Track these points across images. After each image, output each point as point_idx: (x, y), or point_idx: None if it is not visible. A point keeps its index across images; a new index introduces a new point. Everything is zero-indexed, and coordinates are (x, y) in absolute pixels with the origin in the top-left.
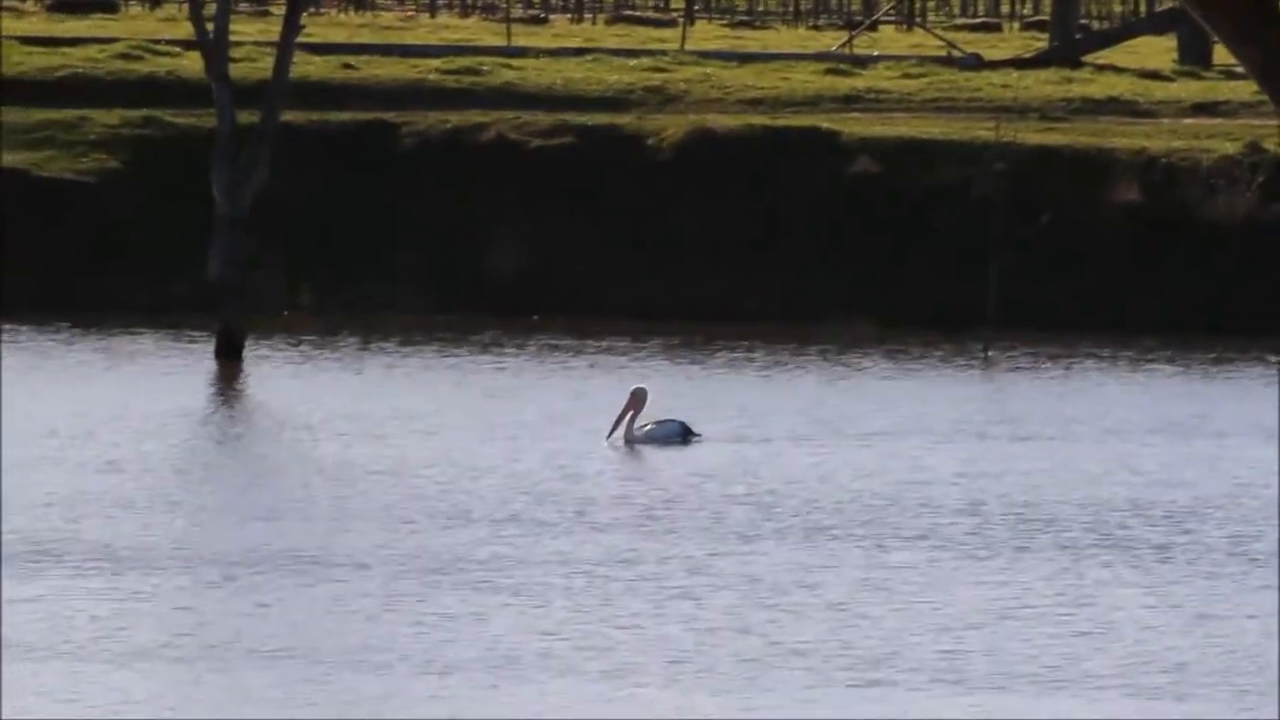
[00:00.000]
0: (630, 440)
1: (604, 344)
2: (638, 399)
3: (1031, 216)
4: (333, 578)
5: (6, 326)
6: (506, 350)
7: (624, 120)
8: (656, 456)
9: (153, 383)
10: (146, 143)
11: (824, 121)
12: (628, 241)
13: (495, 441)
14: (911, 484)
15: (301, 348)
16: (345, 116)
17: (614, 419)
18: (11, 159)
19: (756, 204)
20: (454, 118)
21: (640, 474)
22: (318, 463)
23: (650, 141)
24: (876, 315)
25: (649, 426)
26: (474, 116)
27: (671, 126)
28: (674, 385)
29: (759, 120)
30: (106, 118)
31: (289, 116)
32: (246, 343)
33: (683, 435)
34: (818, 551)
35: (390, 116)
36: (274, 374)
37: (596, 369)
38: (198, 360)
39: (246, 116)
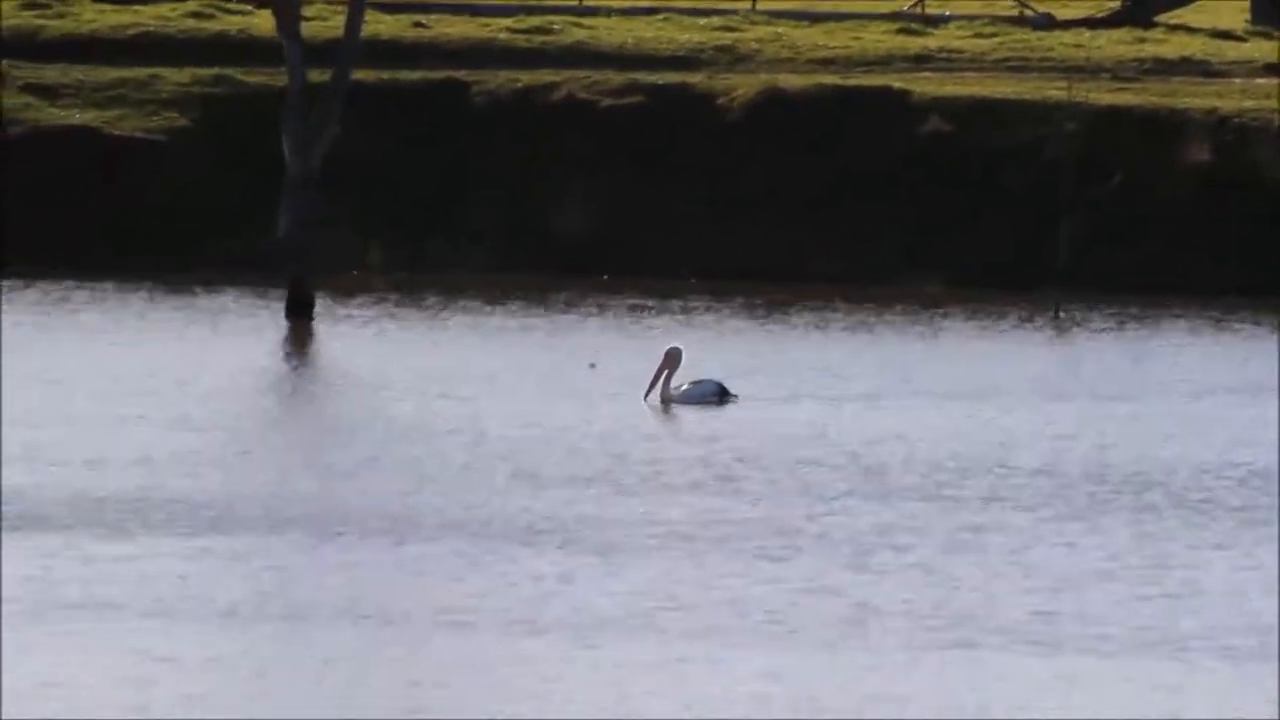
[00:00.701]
0: (666, 399)
1: (684, 303)
2: (672, 358)
3: (1103, 177)
4: (418, 538)
5: (85, 285)
6: (588, 309)
7: (695, 80)
8: (733, 416)
9: (224, 341)
10: (217, 101)
11: (895, 81)
12: (698, 201)
13: (571, 401)
14: (990, 445)
15: (372, 306)
16: (416, 75)
17: (650, 378)
18: (83, 117)
19: (827, 164)
20: (525, 77)
21: (719, 434)
22: (394, 422)
23: (721, 101)
24: (947, 275)
25: (685, 386)
26: (545, 75)
27: (742, 86)
28: (751, 345)
29: (830, 80)
30: (178, 76)
31: (360, 75)
32: (317, 301)
33: (719, 395)
34: (900, 512)
35: (461, 75)
36: (345, 333)
37: (675, 327)
38: (268, 319)
39: (317, 75)
